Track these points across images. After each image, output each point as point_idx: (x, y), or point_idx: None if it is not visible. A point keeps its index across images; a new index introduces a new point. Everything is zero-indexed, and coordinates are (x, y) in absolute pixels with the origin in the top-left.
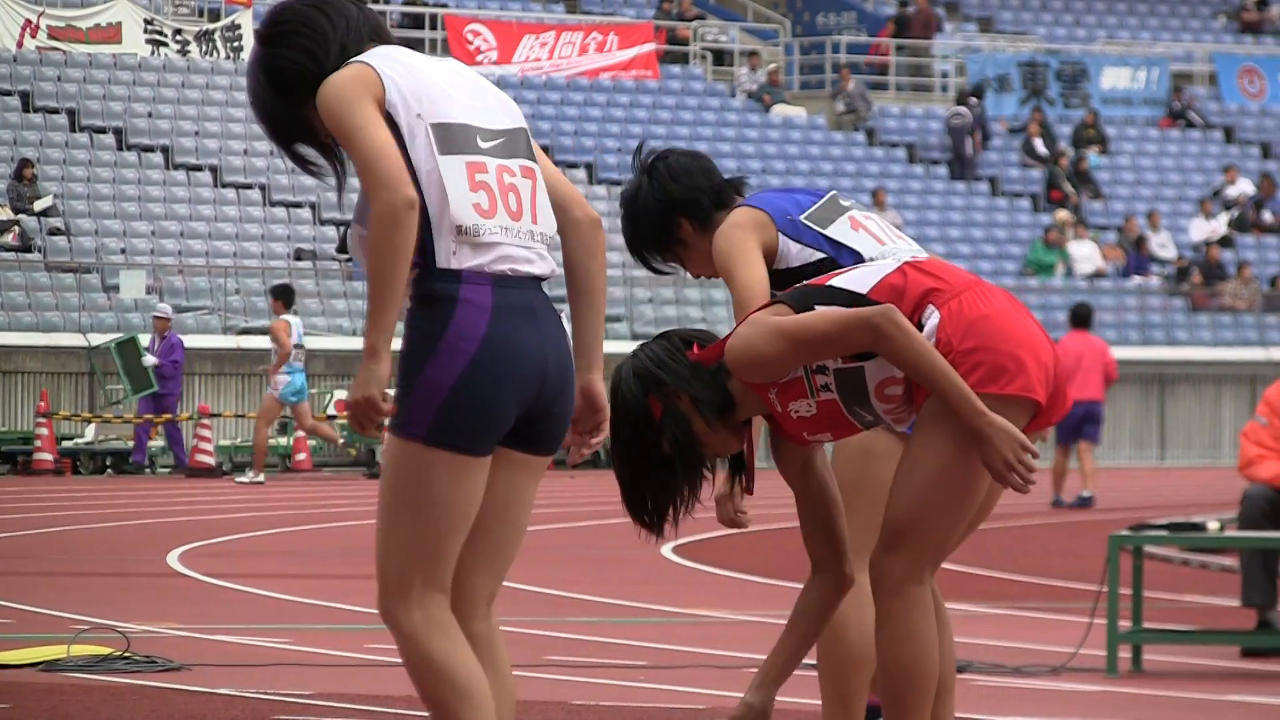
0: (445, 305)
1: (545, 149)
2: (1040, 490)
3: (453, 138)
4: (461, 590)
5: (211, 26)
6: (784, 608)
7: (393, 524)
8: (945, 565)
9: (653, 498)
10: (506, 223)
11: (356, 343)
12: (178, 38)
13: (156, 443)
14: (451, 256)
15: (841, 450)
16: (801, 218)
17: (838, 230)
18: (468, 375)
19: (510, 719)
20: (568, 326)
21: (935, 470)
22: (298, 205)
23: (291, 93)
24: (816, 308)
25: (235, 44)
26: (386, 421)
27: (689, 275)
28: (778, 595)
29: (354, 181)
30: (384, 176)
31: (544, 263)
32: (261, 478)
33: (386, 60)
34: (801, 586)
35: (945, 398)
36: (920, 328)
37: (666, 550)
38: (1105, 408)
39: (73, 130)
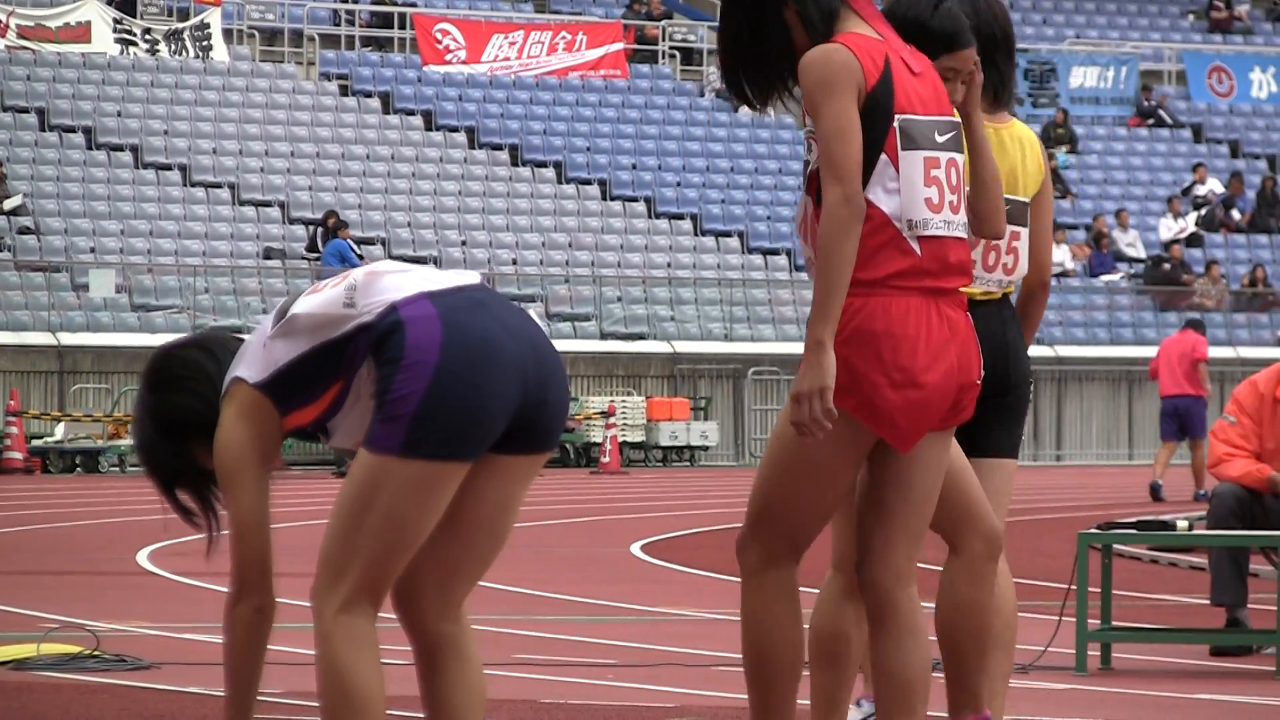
0: (395, 334)
1: (514, 149)
2: (1019, 489)
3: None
4: (433, 593)
5: (180, 26)
6: None
7: (345, 530)
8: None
9: (751, 73)
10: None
11: None
12: (147, 37)
13: (127, 441)
14: (372, 305)
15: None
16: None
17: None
18: (437, 383)
19: (480, 717)
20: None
21: (781, 458)
22: (267, 204)
23: (183, 437)
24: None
25: (204, 43)
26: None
27: (658, 275)
28: None
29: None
30: (242, 576)
31: (463, 275)
32: None
33: (236, 362)
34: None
35: (814, 300)
36: None
37: (635, 549)
38: (1201, 402)
39: (42, 129)
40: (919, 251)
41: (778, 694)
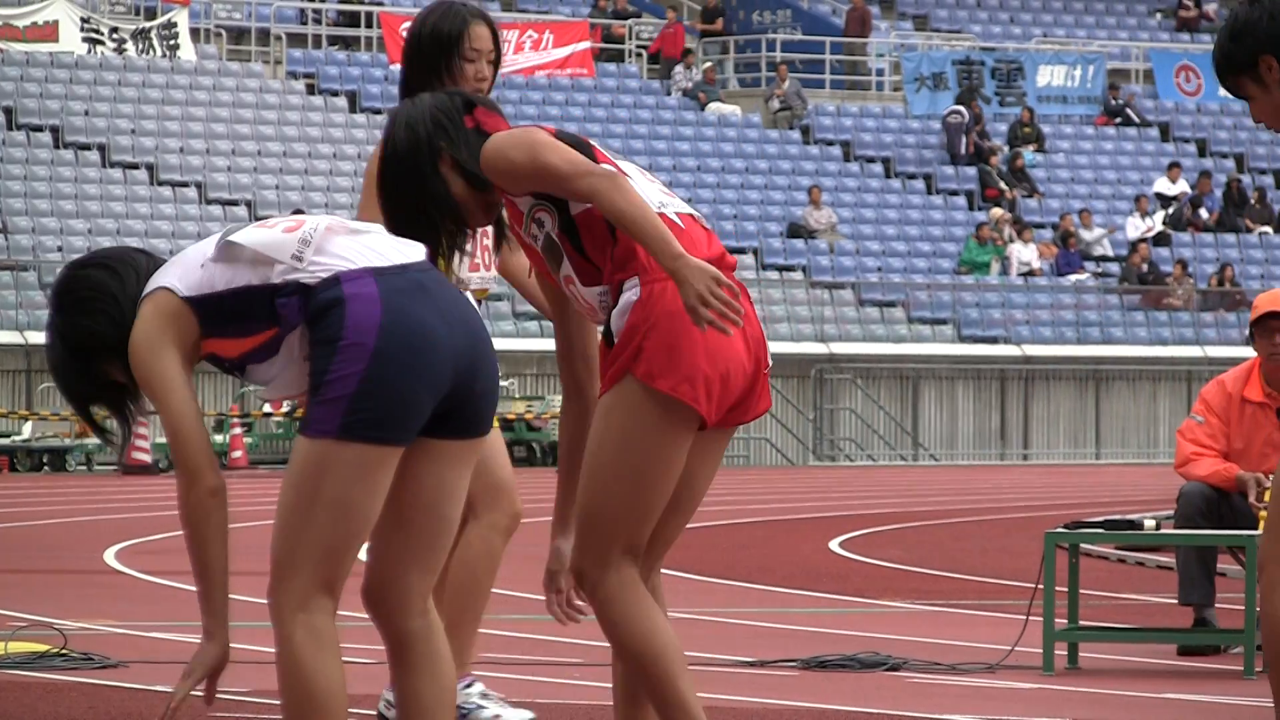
0: (335, 309)
1: None
2: (986, 489)
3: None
4: (394, 589)
5: (148, 25)
6: (721, 605)
7: (292, 524)
8: (882, 563)
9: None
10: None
11: None
12: (114, 36)
13: (94, 440)
14: (318, 269)
15: None
16: None
17: None
18: (373, 366)
19: (451, 714)
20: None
21: (610, 460)
22: (233, 203)
23: (91, 357)
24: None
25: (171, 42)
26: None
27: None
28: (714, 592)
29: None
30: (189, 464)
31: (410, 247)
32: None
33: (167, 270)
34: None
35: (647, 245)
36: (620, 291)
37: None
38: None
39: (9, 128)
40: (683, 225)
41: (676, 686)
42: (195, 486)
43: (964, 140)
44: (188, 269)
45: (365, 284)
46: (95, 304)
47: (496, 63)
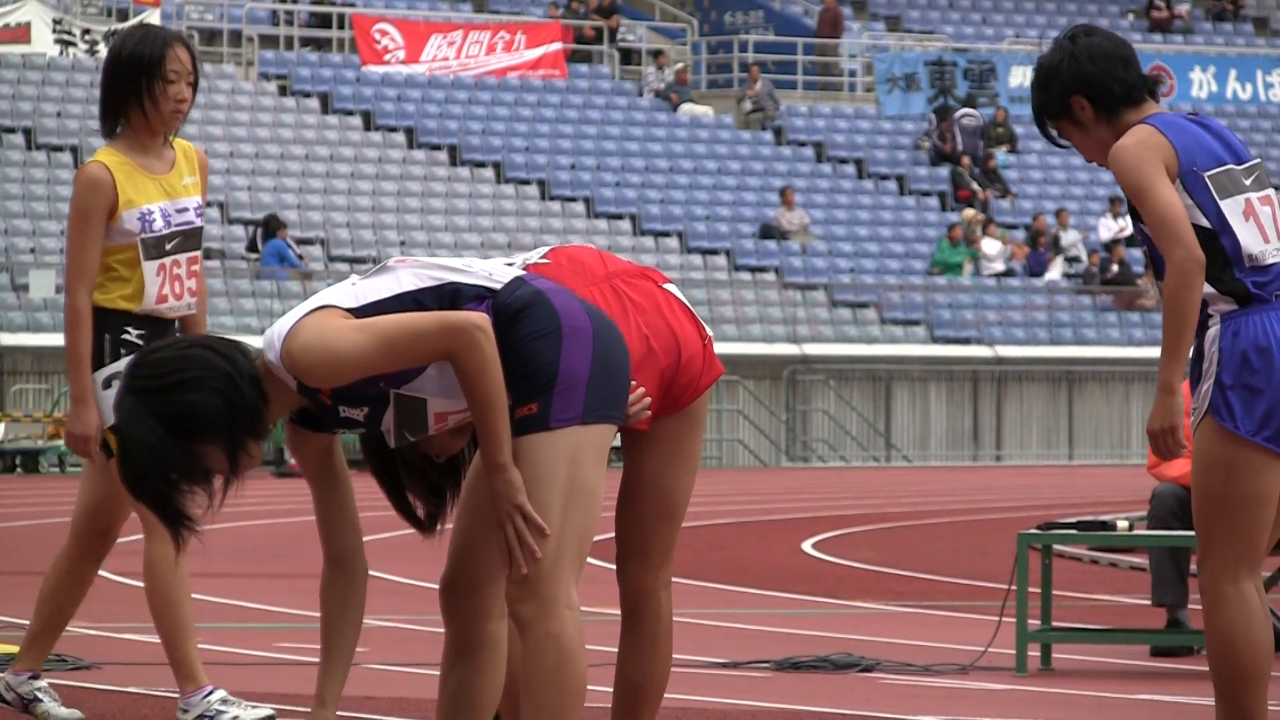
0: (538, 304)
1: (452, 149)
2: (959, 490)
3: None
4: (483, 588)
5: (120, 26)
6: (695, 606)
7: (559, 520)
8: (855, 564)
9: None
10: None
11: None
12: (86, 37)
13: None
14: (496, 275)
15: (1202, 465)
16: (1205, 174)
17: (1230, 208)
18: (598, 349)
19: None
20: None
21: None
22: (206, 205)
23: (194, 435)
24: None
25: None
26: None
27: None
28: (687, 593)
29: None
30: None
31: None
32: None
33: (309, 304)
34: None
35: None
36: None
37: None
38: None
39: None
40: (549, 261)
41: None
42: (478, 327)
43: (980, 144)
44: (336, 293)
45: (546, 282)
46: (207, 381)
47: (195, 85)
